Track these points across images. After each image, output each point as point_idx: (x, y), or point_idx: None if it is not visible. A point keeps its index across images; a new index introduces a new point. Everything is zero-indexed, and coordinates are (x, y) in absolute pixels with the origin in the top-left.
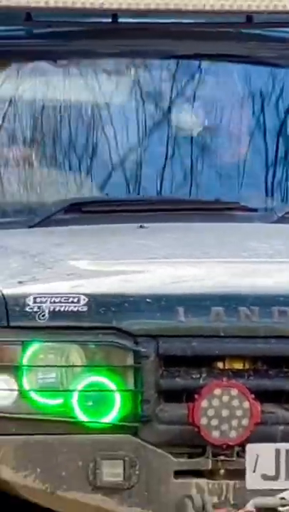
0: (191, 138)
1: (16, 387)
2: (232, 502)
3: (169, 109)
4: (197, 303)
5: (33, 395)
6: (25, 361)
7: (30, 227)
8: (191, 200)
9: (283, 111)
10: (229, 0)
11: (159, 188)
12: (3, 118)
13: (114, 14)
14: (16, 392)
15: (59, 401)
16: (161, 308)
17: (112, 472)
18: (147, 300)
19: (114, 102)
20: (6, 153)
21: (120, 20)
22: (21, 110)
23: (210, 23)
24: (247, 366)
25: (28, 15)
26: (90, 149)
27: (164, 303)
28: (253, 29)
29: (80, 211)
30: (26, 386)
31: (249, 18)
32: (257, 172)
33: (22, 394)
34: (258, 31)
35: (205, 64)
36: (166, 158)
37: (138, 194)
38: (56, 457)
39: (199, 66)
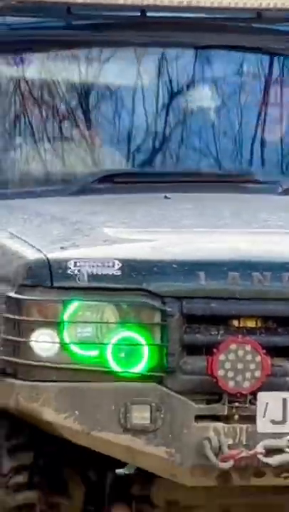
0: (211, 119)
1: (57, 340)
2: (244, 443)
3: (190, 92)
4: (216, 268)
5: (73, 348)
6: (66, 317)
7: (69, 195)
8: (210, 173)
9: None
10: None
11: (181, 162)
12: (48, 98)
13: (143, 9)
14: (57, 345)
15: (95, 353)
16: (185, 272)
17: (140, 416)
18: (173, 265)
19: (141, 87)
20: (49, 130)
21: (148, 14)
22: (63, 92)
23: (225, 17)
24: (259, 325)
25: (68, 9)
26: (122, 128)
27: (187, 268)
28: (262, 24)
29: (112, 181)
30: (67, 339)
31: (259, 14)
32: (266, 150)
33: (63, 346)
34: (267, 26)
35: (220, 53)
36: (188, 137)
37: (163, 167)
38: (92, 402)
39: (215, 55)
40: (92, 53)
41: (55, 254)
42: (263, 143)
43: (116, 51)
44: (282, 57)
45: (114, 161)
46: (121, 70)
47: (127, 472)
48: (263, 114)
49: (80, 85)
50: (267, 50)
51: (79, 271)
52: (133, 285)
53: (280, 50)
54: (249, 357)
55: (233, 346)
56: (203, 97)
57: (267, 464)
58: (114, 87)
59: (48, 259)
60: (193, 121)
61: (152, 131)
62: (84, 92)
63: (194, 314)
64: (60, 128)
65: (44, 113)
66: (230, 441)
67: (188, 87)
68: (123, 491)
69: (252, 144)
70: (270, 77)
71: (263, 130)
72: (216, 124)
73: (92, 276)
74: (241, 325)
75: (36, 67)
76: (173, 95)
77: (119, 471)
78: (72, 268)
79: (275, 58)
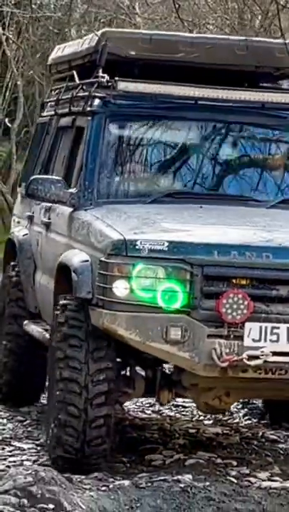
0: (230, 164)
1: (128, 287)
2: (236, 352)
3: (216, 145)
4: (223, 248)
5: (137, 292)
6: (134, 274)
7: (146, 203)
8: (226, 194)
9: (274, 150)
10: (253, 95)
11: (211, 187)
12: (139, 148)
13: (196, 100)
14: (128, 290)
15: (150, 295)
16: (205, 250)
17: (175, 333)
18: (199, 246)
19: (191, 144)
20: (138, 167)
21: (199, 102)
22: (147, 146)
23: (240, 106)
24: (248, 283)
25: (153, 96)
26: (180, 167)
27: (207, 247)
28: (265, 110)
29: (172, 197)
30: (134, 287)
31: (263, 105)
32: (260, 183)
33: (131, 291)
34: (269, 112)
35: (241, 127)
36: (215, 174)
37: (200, 190)
38: (147, 324)
39: (238, 128)
40: (167, 123)
41: (129, 237)
42: (259, 179)
43: (177, 122)
44: (278, 131)
45: (173, 185)
46: (180, 134)
47: (168, 371)
48: (260, 162)
49: (156, 141)
50: (270, 126)
51: (143, 247)
52: (174, 256)
53: (277, 126)
54: (240, 301)
55: (231, 295)
56: (226, 151)
57: (249, 365)
58: (176, 143)
59: (125, 239)
60: (218, 164)
61: (195, 169)
62: (158, 145)
63: (210, 275)
64: (144, 166)
65: (134, 157)
66: (228, 350)
67: (219, 144)
68: (167, 381)
69: (252, 179)
70: (267, 141)
71: (259, 172)
72: (233, 167)
73: (150, 250)
74: (237, 282)
75: (132, 130)
76: (207, 148)
77: (165, 368)
78: (139, 245)
79: (275, 131)
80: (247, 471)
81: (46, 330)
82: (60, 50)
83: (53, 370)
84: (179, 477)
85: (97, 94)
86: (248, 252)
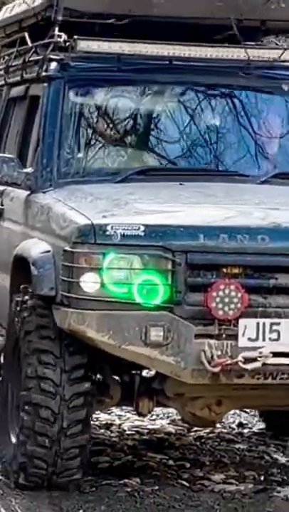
0: (211, 133)
1: (99, 281)
2: (229, 354)
3: (196, 113)
4: (211, 231)
5: (109, 286)
6: (105, 265)
7: (114, 183)
8: (211, 169)
9: (264, 116)
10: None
11: (191, 162)
12: (103, 119)
13: (170, 59)
14: (98, 284)
15: (125, 290)
16: (189, 234)
17: (156, 334)
18: (180, 229)
19: (166, 111)
20: (104, 140)
21: (174, 62)
22: (113, 114)
23: (222, 66)
24: (241, 271)
25: (118, 57)
26: (152, 139)
27: (191, 230)
28: (252, 70)
29: (144, 174)
30: (105, 280)
31: (248, 64)
32: (250, 153)
33: (102, 285)
34: (256, 72)
35: (224, 91)
36: (195, 145)
37: (179, 165)
38: (122, 324)
39: (220, 92)
40: (137, 88)
41: (98, 221)
42: (247, 151)
43: (149, 87)
44: (266, 94)
45: (146, 161)
46: (151, 100)
47: (149, 375)
48: (247, 130)
49: (125, 110)
50: (257, 88)
51: (114, 232)
52: (152, 243)
53: (265, 87)
54: (233, 293)
55: (222, 286)
56: (207, 119)
57: (245, 369)
58: (148, 111)
59: (92, 224)
60: (199, 134)
61: (172, 141)
62: (126, 115)
63: (195, 263)
64: (111, 139)
65: (99, 128)
66: (219, 353)
67: (199, 112)
68: (147, 388)
69: (240, 150)
70: (252, 107)
71: (247, 143)
72: (216, 138)
73: (124, 236)
74: (228, 271)
75: (95, 97)
76: (186, 116)
77: (144, 373)
78: (110, 230)
79: (263, 94)
80: (200, 474)
81: (2, 335)
82: (9, 10)
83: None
84: (126, 481)
85: (53, 56)
86: (239, 235)
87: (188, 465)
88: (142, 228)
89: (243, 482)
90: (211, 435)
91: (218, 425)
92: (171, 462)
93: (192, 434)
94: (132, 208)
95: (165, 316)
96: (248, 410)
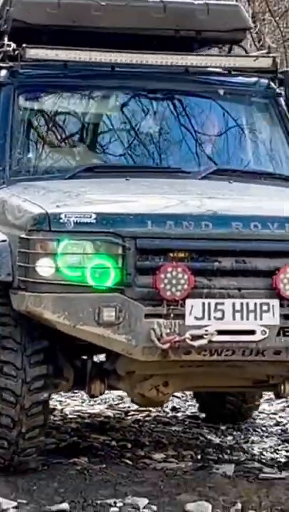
0: (154, 133)
1: (54, 265)
2: (177, 332)
3: (139, 116)
4: (158, 218)
5: (64, 270)
6: (59, 251)
7: (65, 179)
8: (154, 166)
9: (202, 118)
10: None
11: (136, 160)
12: (52, 121)
13: (112, 66)
14: (53, 269)
15: (78, 274)
16: (138, 221)
17: (108, 315)
18: (130, 216)
19: (108, 111)
20: (53, 140)
21: (116, 69)
22: (61, 117)
23: (162, 72)
24: (186, 255)
25: (65, 65)
26: (99, 139)
27: (140, 218)
28: (190, 76)
29: (92, 171)
30: (60, 265)
31: (186, 70)
32: (191, 151)
33: (57, 270)
34: (194, 77)
35: (164, 95)
36: (139, 144)
37: (125, 162)
38: (76, 306)
39: (160, 96)
40: (82, 93)
41: (51, 210)
42: (188, 150)
43: (94, 91)
44: (204, 98)
45: (93, 159)
46: (95, 103)
47: (100, 360)
48: (188, 131)
49: (72, 113)
50: (195, 92)
51: (68, 220)
52: (103, 229)
53: (202, 92)
54: (180, 276)
55: (169, 269)
56: (149, 121)
57: (192, 346)
58: (94, 114)
59: (47, 213)
60: (143, 134)
61: (117, 141)
62: (73, 118)
63: (144, 248)
64: (60, 139)
65: (49, 130)
66: (168, 331)
67: (142, 114)
68: (98, 371)
69: (181, 149)
70: (191, 109)
71: (188, 142)
72: (157, 138)
73: (76, 224)
74: (175, 255)
75: (44, 102)
76: (129, 118)
77: (95, 358)
78: (63, 218)
79: (201, 98)
80: (142, 453)
81: None
82: None
83: None
84: (75, 460)
85: (2, 64)
86: (185, 222)
87: (129, 445)
88: (94, 216)
89: (182, 461)
90: (147, 418)
91: (153, 409)
92: (114, 443)
93: (130, 417)
94: (83, 198)
95: (117, 297)
96: (179, 395)
